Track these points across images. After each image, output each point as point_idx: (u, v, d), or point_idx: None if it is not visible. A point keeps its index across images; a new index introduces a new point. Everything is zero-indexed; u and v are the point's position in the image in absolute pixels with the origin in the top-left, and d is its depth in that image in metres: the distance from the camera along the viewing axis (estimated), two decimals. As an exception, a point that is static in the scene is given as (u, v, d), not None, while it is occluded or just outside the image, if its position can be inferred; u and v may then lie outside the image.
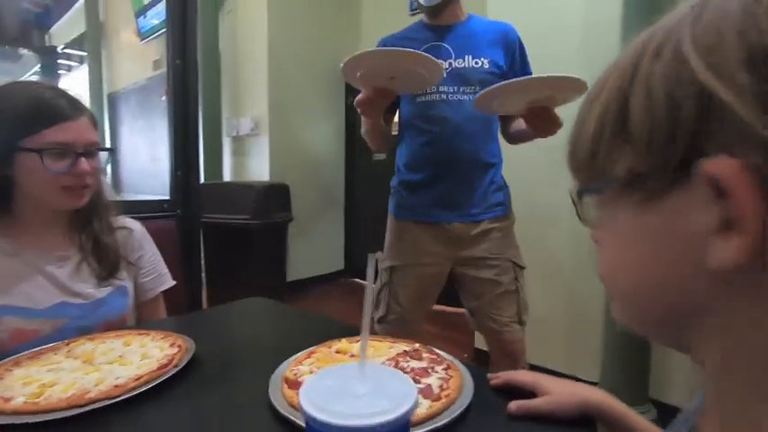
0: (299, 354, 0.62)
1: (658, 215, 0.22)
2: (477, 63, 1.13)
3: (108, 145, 5.36)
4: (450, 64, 1.14)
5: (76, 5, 5.66)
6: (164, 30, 4.11)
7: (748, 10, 0.18)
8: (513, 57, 1.17)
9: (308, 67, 3.50)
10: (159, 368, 0.58)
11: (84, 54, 5.58)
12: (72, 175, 0.76)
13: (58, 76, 6.12)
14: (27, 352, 0.63)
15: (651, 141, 0.21)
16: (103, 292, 0.83)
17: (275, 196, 2.98)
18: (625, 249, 0.25)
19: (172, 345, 0.66)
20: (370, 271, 0.33)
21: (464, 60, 1.14)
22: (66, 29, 6.15)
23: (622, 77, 0.23)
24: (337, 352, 0.63)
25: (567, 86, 0.91)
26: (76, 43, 5.83)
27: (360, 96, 1.01)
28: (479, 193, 1.18)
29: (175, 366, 0.59)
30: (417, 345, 0.66)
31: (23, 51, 6.03)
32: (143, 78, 4.70)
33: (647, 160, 0.21)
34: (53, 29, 6.30)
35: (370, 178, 3.75)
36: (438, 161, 1.17)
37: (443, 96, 1.15)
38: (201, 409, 0.54)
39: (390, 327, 1.23)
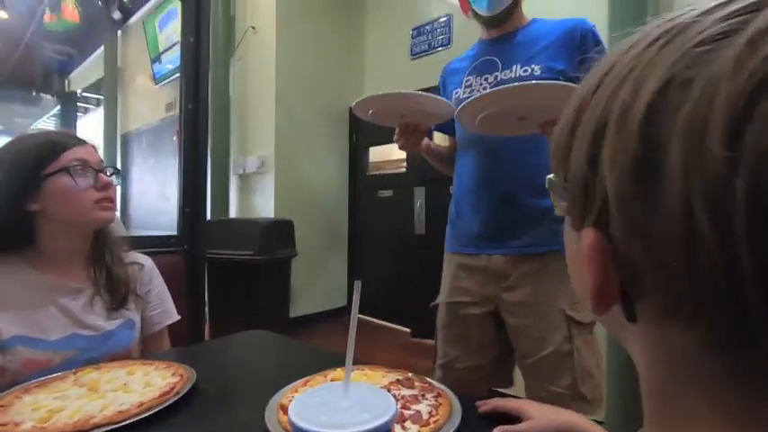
0: (296, 382, 0.64)
1: (574, 240, 0.24)
2: (525, 71, 0.99)
3: (119, 187, 5.51)
4: (497, 77, 1.03)
5: (96, 53, 6.00)
6: (178, 75, 4.33)
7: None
8: (582, 54, 0.97)
9: (314, 108, 3.65)
10: (161, 395, 0.60)
11: (101, 97, 5.85)
12: (97, 188, 0.82)
13: (76, 117, 6.39)
14: (36, 380, 0.66)
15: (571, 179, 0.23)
16: (113, 324, 0.86)
17: (280, 232, 3.03)
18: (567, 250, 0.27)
19: (174, 374, 0.69)
20: (355, 297, 0.37)
21: (511, 71, 1.01)
22: (85, 74, 6.49)
23: (581, 98, 0.23)
24: (332, 380, 0.65)
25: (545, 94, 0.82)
26: (94, 87, 6.12)
27: (395, 135, 1.07)
28: (528, 221, 0.99)
29: (176, 394, 0.62)
30: (410, 374, 0.68)
31: (43, 95, 6.34)
32: (156, 120, 4.91)
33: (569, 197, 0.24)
34: (73, 74, 6.65)
35: (374, 215, 3.81)
36: (479, 184, 1.04)
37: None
38: (200, 435, 0.56)
39: (443, 372, 1.09)
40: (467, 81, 1.10)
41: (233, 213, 3.73)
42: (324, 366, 0.70)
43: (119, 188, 0.91)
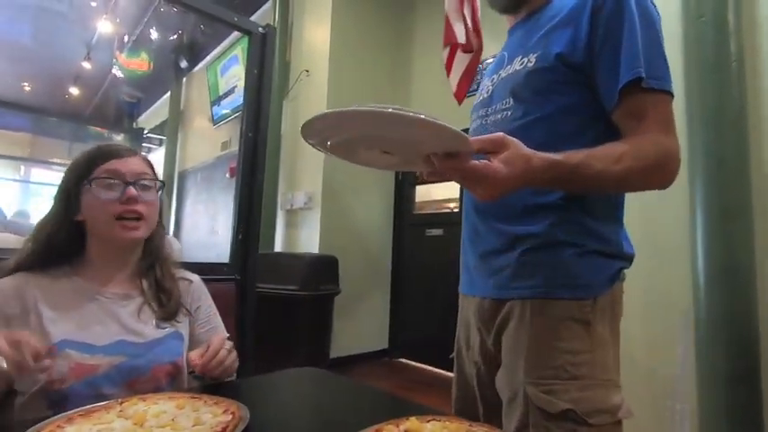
0: (365, 431, 0.54)
1: None
2: (521, 64, 0.78)
3: (173, 219, 5.79)
4: (499, 76, 0.83)
5: (163, 97, 6.53)
6: (234, 116, 4.58)
7: None
8: (592, 33, 0.69)
9: (362, 146, 3.70)
10: (212, 437, 0.53)
11: (164, 138, 6.28)
12: (122, 202, 0.79)
13: (140, 156, 6.87)
14: (79, 409, 0.60)
15: None
16: (161, 333, 0.83)
17: (324, 268, 2.99)
18: None
19: (225, 411, 0.61)
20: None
21: (512, 65, 0.80)
22: (151, 116, 7.05)
23: None
24: (407, 431, 0.55)
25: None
26: (158, 129, 6.60)
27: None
28: (522, 251, 0.73)
29: (229, 436, 0.54)
30: (498, 430, 0.57)
31: (114, 135, 6.91)
32: (211, 158, 5.17)
33: None
34: (141, 117, 7.24)
35: (420, 255, 3.70)
36: (476, 207, 0.82)
37: (477, 123, 0.86)
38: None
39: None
40: (481, 85, 0.93)
41: (278, 248, 3.75)
42: (385, 411, 0.61)
43: (169, 209, 0.88)
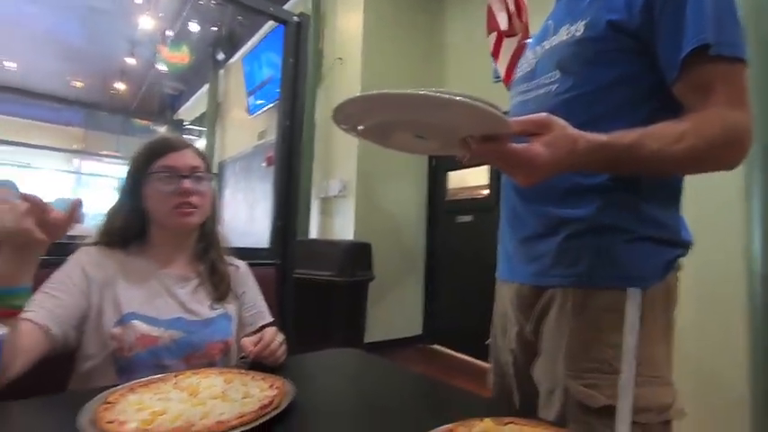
0: (437, 430, 0.51)
1: None
2: (568, 33, 0.71)
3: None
4: (543, 47, 0.77)
5: (202, 89, 6.74)
6: (270, 106, 4.66)
7: None
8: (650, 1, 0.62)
9: (395, 133, 3.69)
10: (260, 408, 0.55)
11: (204, 129, 6.50)
12: (177, 194, 0.85)
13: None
14: (140, 380, 0.65)
15: None
16: (214, 313, 0.90)
17: (359, 255, 3.03)
18: None
19: (271, 386, 0.64)
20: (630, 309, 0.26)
21: (557, 35, 0.74)
22: (190, 108, 7.29)
23: None
24: None
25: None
26: (198, 120, 6.83)
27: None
28: (565, 236, 0.70)
29: (275, 408, 0.56)
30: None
31: (157, 128, 7.22)
32: (249, 147, 5.30)
33: None
34: (181, 109, 7.51)
35: (452, 241, 3.68)
36: (516, 189, 0.78)
37: (517, 99, 0.81)
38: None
39: None
40: (522, 59, 0.87)
41: (313, 235, 3.83)
42: (436, 402, 0.61)
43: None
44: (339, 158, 3.71)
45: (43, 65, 6.07)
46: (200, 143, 6.56)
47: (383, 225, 3.61)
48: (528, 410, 0.72)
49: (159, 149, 0.88)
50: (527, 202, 0.76)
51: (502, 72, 2.46)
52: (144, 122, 7.87)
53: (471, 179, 3.60)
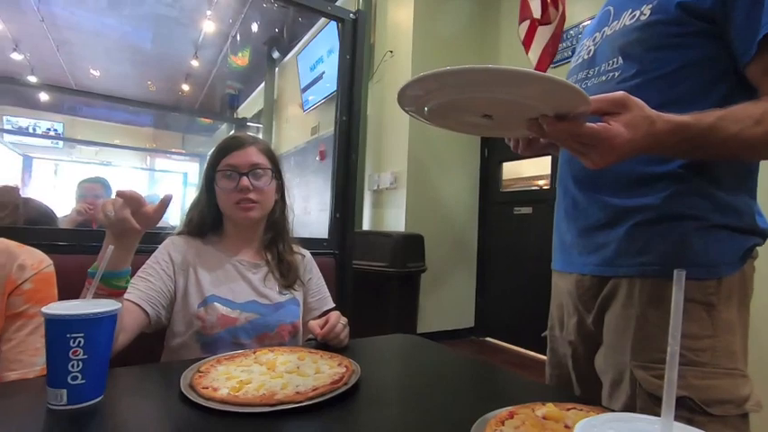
0: (498, 411, 0.53)
1: None
2: (632, 17, 0.69)
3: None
4: (603, 34, 0.75)
5: (258, 88, 7.04)
6: (322, 101, 4.77)
7: None
8: None
9: (446, 124, 3.66)
10: (332, 383, 0.61)
11: (261, 126, 6.80)
12: (238, 191, 0.92)
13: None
14: (225, 354, 0.73)
15: None
16: (283, 298, 0.97)
17: (411, 246, 3.07)
18: None
19: (339, 364, 0.69)
20: (677, 292, 0.27)
21: (619, 21, 0.72)
22: (249, 106, 7.65)
23: None
24: (545, 418, 0.52)
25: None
26: (256, 117, 7.16)
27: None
28: (632, 225, 0.68)
29: (345, 384, 0.61)
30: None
31: (219, 125, 7.65)
32: (303, 142, 5.49)
33: None
34: (240, 107, 7.90)
35: (505, 234, 3.61)
36: (575, 178, 0.77)
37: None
38: (366, 426, 0.54)
39: None
40: (579, 46, 0.85)
41: (366, 227, 3.91)
42: (495, 387, 0.63)
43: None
44: (390, 151, 3.75)
45: (121, 71, 6.63)
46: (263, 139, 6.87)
47: (435, 217, 3.62)
48: (589, 401, 0.72)
49: (225, 148, 0.96)
50: (587, 191, 0.75)
51: (534, 61, 2.39)
52: (207, 121, 8.37)
53: (528, 170, 3.51)
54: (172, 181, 8.06)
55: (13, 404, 0.57)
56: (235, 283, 0.94)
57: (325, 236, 1.50)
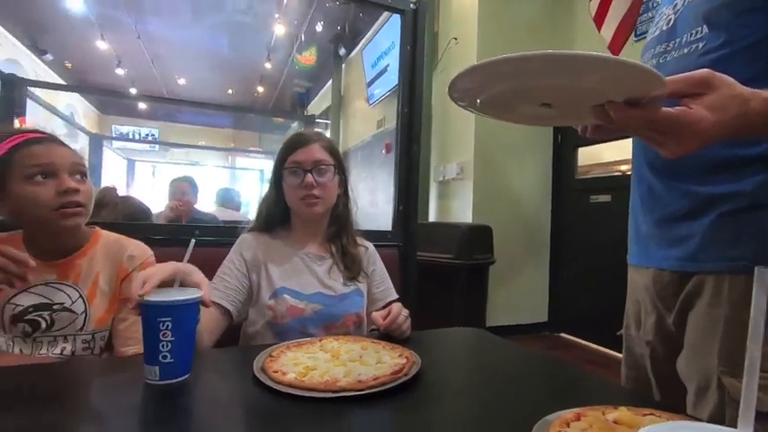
0: (564, 412, 0.50)
1: None
2: None
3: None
4: (684, 1, 0.68)
5: (326, 85, 7.27)
6: (387, 94, 4.80)
7: None
8: None
9: (515, 110, 3.50)
10: (392, 373, 0.62)
11: (329, 122, 7.03)
12: (302, 187, 0.96)
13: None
14: (293, 341, 0.77)
15: None
16: (347, 289, 1.01)
17: (479, 237, 3.00)
18: None
19: (400, 355, 0.70)
20: (757, 291, 0.25)
21: None
22: (317, 103, 7.93)
23: None
24: (616, 422, 0.48)
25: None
26: (324, 113, 7.41)
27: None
28: (719, 215, 0.62)
29: (405, 375, 0.62)
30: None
31: (291, 123, 8.04)
32: (368, 136, 5.58)
33: None
34: (310, 105, 8.22)
35: (581, 224, 3.39)
36: (651, 165, 0.71)
37: (651, 63, 0.71)
38: (424, 418, 0.55)
39: None
40: (657, 18, 0.75)
41: (431, 219, 3.89)
42: (562, 381, 0.60)
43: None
44: (456, 141, 3.68)
45: (203, 77, 7.22)
46: (327, 135, 7.12)
47: (503, 207, 3.49)
48: (671, 408, 0.66)
49: (291, 146, 1.00)
50: (665, 178, 0.68)
51: (608, 38, 2.18)
52: (280, 120, 8.84)
53: (608, 154, 3.25)
54: (250, 178, 8.65)
55: (120, 378, 0.67)
56: (302, 276, 0.99)
57: (390, 228, 1.52)
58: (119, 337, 0.88)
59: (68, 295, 0.85)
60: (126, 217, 1.79)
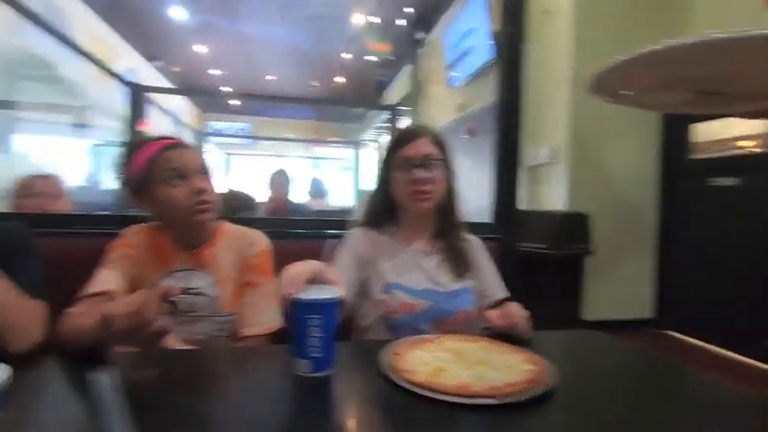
0: None
1: None
2: None
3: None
4: None
5: (402, 71, 7.23)
6: (468, 77, 4.63)
7: None
8: None
9: (616, 85, 3.17)
10: (526, 381, 0.59)
11: (409, 108, 6.99)
12: (411, 182, 0.95)
13: (395, 127, 7.89)
14: (416, 337, 0.77)
15: None
16: (457, 285, 0.99)
17: (574, 226, 2.80)
18: None
19: (527, 360, 0.67)
20: None
21: None
22: (396, 90, 7.93)
23: None
24: None
25: None
26: (404, 100, 7.39)
27: None
28: None
29: (546, 385, 0.59)
30: None
31: (368, 112, 8.14)
32: (448, 121, 5.46)
33: None
34: (388, 92, 8.25)
35: (697, 210, 3.00)
36: None
37: None
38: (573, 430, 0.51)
39: None
40: None
41: (521, 206, 3.70)
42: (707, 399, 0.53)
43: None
44: (548, 123, 3.44)
45: (287, 71, 7.57)
46: (406, 122, 7.10)
47: (602, 193, 3.21)
48: None
49: (399, 140, 1.00)
50: None
51: None
52: (359, 110, 9.00)
53: (729, 129, 2.82)
54: (332, 167, 8.97)
55: (264, 368, 0.72)
56: (412, 272, 0.99)
57: (480, 216, 1.47)
58: (240, 318, 0.96)
59: (204, 281, 0.95)
60: (235, 210, 1.95)
